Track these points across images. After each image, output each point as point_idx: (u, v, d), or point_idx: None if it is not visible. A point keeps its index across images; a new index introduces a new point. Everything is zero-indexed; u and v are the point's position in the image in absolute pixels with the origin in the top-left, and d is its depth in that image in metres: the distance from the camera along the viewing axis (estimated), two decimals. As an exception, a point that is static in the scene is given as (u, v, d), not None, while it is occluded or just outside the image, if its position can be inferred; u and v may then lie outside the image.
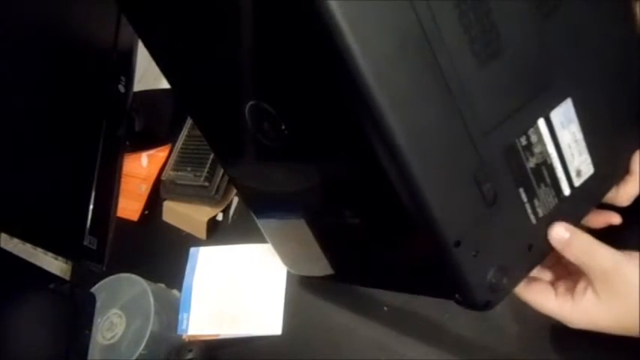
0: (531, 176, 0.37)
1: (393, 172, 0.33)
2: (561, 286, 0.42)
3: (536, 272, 0.43)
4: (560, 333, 0.51)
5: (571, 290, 0.41)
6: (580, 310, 0.40)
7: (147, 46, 0.47)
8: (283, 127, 0.39)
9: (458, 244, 0.34)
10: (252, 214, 0.56)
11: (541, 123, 0.37)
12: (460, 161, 0.33)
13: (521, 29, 0.35)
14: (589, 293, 0.40)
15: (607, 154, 0.41)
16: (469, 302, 0.37)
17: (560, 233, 0.39)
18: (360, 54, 0.29)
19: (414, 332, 0.58)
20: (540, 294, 0.42)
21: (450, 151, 0.33)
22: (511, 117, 0.35)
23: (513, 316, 0.53)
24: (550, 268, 0.45)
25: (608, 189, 0.43)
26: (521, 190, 0.37)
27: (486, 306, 0.37)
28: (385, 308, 0.60)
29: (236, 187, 0.61)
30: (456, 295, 0.37)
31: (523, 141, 0.36)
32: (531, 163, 0.37)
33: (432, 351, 0.56)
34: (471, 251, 0.35)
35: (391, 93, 0.30)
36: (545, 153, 0.38)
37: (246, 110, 0.41)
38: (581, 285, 0.41)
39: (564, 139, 0.38)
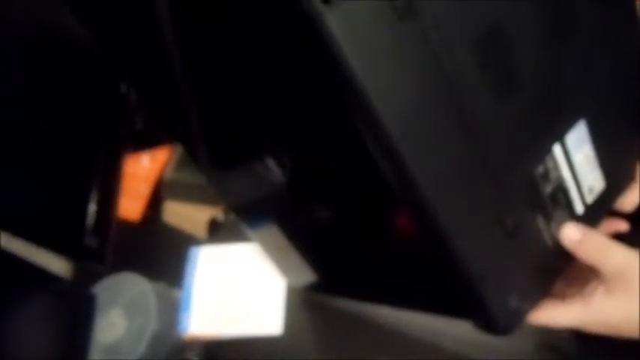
0: (548, 202, 0.37)
1: (417, 217, 0.32)
2: (568, 294, 0.42)
3: None
4: (560, 333, 0.51)
5: (579, 294, 0.41)
6: (593, 309, 0.40)
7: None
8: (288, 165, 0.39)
9: (482, 278, 0.34)
10: (247, 227, 0.56)
11: (557, 148, 0.36)
12: (483, 200, 0.33)
13: (538, 59, 0.34)
14: (601, 292, 0.40)
15: (615, 165, 0.41)
16: (491, 328, 0.37)
17: (572, 234, 0.38)
18: (381, 105, 0.27)
19: (414, 332, 0.58)
20: (549, 309, 0.41)
21: (473, 192, 0.32)
22: (529, 148, 0.35)
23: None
24: None
25: (617, 198, 0.43)
26: (539, 217, 0.36)
27: (507, 331, 0.37)
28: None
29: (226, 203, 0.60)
30: (477, 321, 0.37)
31: (540, 169, 0.36)
32: (548, 190, 0.36)
33: (432, 351, 0.56)
34: (495, 283, 0.35)
35: (413, 141, 0.29)
36: (560, 177, 0.37)
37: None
38: (590, 286, 0.41)
39: (578, 160, 0.38)
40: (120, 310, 0.68)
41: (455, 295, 0.36)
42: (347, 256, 0.46)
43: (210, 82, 0.38)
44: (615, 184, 0.41)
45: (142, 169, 0.82)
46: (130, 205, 0.81)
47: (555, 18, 0.34)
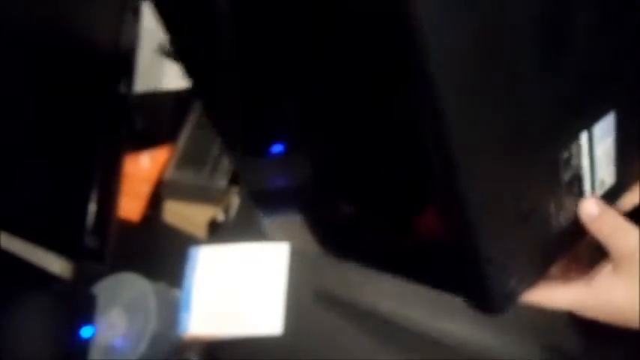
0: (563, 189, 0.36)
1: (442, 188, 0.31)
2: (572, 274, 0.41)
3: None
4: (563, 333, 0.51)
5: (584, 274, 0.40)
6: (595, 289, 0.39)
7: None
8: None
9: (489, 259, 0.33)
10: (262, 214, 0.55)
11: (583, 137, 0.36)
12: (508, 181, 0.32)
13: (592, 39, 0.33)
14: (606, 272, 0.39)
15: (626, 163, 0.41)
16: (485, 308, 0.36)
17: (591, 208, 0.38)
18: (439, 62, 0.26)
19: (416, 332, 0.58)
20: (549, 290, 0.40)
21: (502, 172, 0.32)
22: (562, 131, 0.34)
23: (513, 316, 0.53)
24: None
25: (620, 197, 0.42)
26: (551, 203, 0.36)
27: (500, 312, 0.36)
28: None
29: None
30: (470, 299, 0.37)
31: (565, 155, 0.35)
32: (567, 177, 0.36)
33: (433, 351, 0.56)
34: (500, 266, 0.34)
35: (462, 106, 0.28)
36: (579, 166, 0.37)
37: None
38: (597, 267, 0.40)
39: (598, 151, 0.37)
40: (120, 310, 0.68)
41: (454, 270, 0.35)
42: (350, 220, 0.46)
43: (260, 66, 0.37)
44: (623, 182, 0.41)
45: (142, 169, 0.82)
46: (130, 205, 0.81)
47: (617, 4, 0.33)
